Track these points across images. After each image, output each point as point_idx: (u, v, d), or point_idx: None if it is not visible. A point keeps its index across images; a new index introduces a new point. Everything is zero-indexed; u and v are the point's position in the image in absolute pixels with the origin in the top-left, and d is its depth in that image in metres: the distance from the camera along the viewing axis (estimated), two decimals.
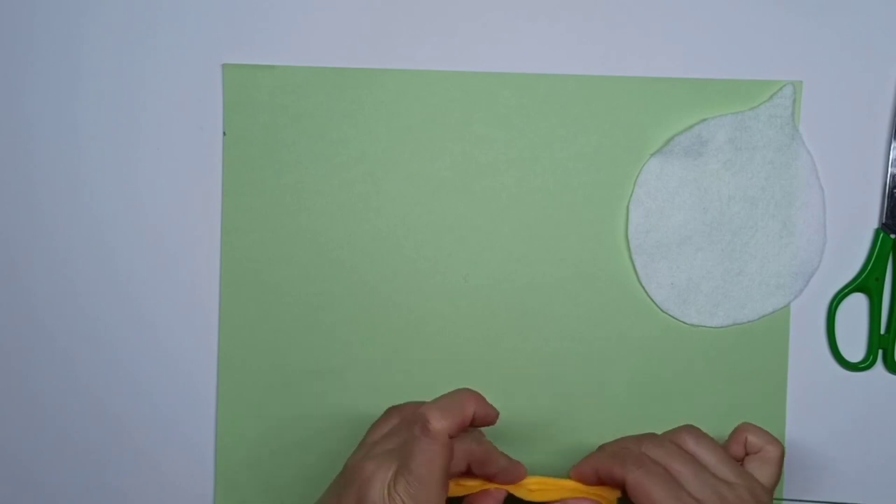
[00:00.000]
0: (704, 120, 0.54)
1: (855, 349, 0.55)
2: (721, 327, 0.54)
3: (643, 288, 0.54)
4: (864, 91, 0.54)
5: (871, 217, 0.54)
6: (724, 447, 0.49)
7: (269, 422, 0.55)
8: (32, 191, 0.55)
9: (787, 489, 0.54)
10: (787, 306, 0.54)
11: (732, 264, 0.54)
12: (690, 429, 0.49)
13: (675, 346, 0.54)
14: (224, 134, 0.54)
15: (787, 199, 0.54)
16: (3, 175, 0.55)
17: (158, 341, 0.55)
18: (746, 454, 0.49)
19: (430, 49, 0.54)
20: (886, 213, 0.54)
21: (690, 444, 0.48)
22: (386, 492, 0.43)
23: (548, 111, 0.54)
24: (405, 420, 0.49)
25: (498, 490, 0.48)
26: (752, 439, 0.49)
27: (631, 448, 0.48)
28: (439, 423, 0.43)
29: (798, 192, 0.54)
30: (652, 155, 0.54)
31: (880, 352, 0.54)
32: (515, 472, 0.48)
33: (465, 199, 0.54)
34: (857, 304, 0.54)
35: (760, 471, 0.48)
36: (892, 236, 0.54)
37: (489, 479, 0.48)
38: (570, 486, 0.49)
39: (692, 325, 0.54)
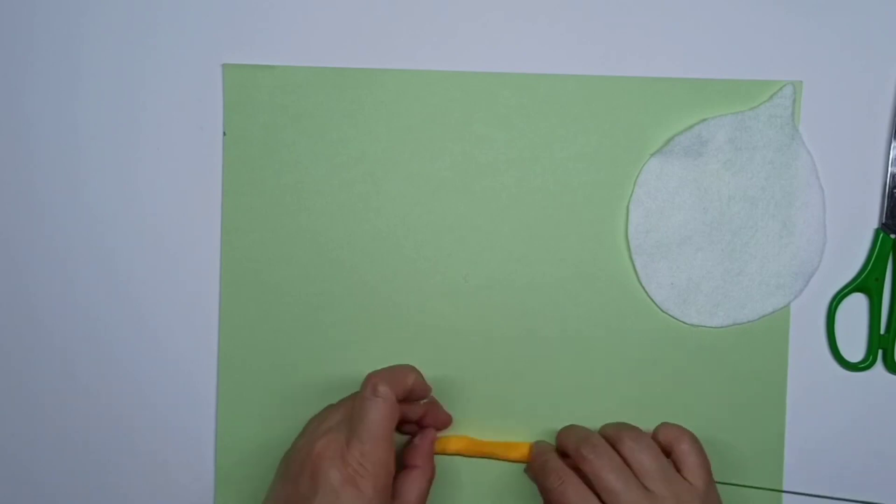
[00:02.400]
0: (704, 120, 0.54)
1: (855, 349, 0.54)
2: (721, 327, 0.54)
3: (643, 288, 0.54)
4: (864, 91, 0.54)
5: (871, 217, 0.54)
6: (661, 452, 0.49)
7: (269, 422, 0.55)
8: (32, 191, 0.55)
9: (788, 489, 0.54)
10: (787, 306, 0.54)
11: (732, 264, 0.54)
12: (632, 433, 0.50)
13: (675, 346, 0.54)
14: (224, 134, 0.54)
15: (787, 199, 0.54)
16: (3, 175, 0.55)
17: (158, 341, 0.55)
18: (668, 454, 0.50)
19: (430, 49, 0.54)
20: (886, 213, 0.54)
21: (631, 450, 0.49)
22: (340, 460, 0.45)
23: (548, 111, 0.54)
24: (345, 402, 0.50)
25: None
26: (663, 441, 0.50)
27: (570, 444, 0.50)
28: (386, 386, 0.47)
29: (798, 192, 0.54)
30: (652, 155, 0.54)
31: (880, 352, 0.54)
32: (441, 416, 0.53)
33: (465, 199, 0.54)
34: (857, 304, 0.54)
35: (685, 466, 0.49)
36: (892, 236, 0.54)
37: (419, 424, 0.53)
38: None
39: (692, 325, 0.54)
